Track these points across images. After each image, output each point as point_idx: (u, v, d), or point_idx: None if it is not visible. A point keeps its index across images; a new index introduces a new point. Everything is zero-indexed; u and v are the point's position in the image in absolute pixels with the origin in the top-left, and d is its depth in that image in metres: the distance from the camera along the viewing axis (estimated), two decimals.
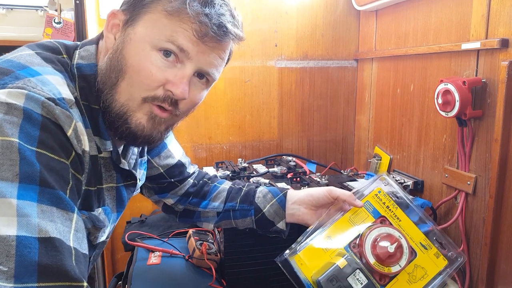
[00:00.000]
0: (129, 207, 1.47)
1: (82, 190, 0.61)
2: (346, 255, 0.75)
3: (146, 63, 0.62)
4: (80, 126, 0.59)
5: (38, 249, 0.45)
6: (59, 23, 1.41)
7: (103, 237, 0.72)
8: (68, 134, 0.55)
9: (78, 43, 0.69)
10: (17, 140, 0.49)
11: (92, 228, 0.68)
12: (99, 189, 0.69)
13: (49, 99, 0.53)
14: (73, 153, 0.56)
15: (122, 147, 0.76)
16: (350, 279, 0.72)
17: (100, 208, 0.69)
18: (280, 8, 1.51)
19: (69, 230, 0.50)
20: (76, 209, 0.53)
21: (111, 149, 0.69)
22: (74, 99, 0.60)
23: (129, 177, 0.77)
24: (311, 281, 0.75)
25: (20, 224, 0.45)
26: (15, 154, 0.48)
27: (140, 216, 1.34)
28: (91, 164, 0.64)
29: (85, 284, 0.48)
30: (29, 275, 0.44)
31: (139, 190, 0.87)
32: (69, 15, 1.42)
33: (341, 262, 0.73)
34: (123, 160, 0.73)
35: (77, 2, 1.33)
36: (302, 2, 1.52)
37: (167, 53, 0.63)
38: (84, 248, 0.53)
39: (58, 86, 0.58)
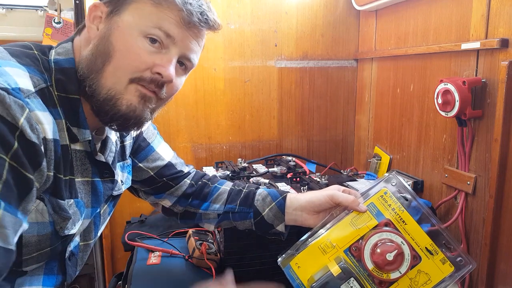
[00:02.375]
0: (129, 207, 1.48)
1: (42, 176, 0.61)
2: (341, 263, 0.73)
3: (134, 47, 0.66)
4: (37, 114, 0.59)
5: None
6: (59, 23, 1.41)
7: (73, 229, 0.71)
8: (19, 123, 0.55)
9: (53, 45, 0.72)
10: None
11: (55, 216, 0.67)
12: (71, 180, 0.69)
13: (1, 89, 0.54)
14: (15, 144, 0.55)
15: (99, 143, 0.77)
16: (343, 287, 0.72)
17: (72, 200, 0.69)
18: (280, 8, 1.51)
19: None
20: (4, 204, 0.53)
21: (89, 138, 0.70)
22: (34, 91, 0.61)
23: (106, 172, 0.77)
24: (307, 286, 0.75)
25: None
26: None
27: (140, 216, 1.34)
28: (61, 153, 0.65)
29: None
30: None
31: (121, 190, 0.86)
32: (69, 15, 1.42)
33: (335, 269, 0.72)
34: (99, 153, 0.74)
35: (77, 2, 1.33)
36: (302, 2, 1.52)
37: (153, 39, 0.66)
38: (9, 243, 0.54)
39: (16, 77, 0.59)
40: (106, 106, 0.66)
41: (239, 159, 1.38)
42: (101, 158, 0.75)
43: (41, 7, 1.45)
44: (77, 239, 0.77)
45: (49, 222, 0.66)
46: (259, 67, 1.52)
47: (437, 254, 0.75)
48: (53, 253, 0.70)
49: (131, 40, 0.66)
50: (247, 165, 1.35)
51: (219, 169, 1.31)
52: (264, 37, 1.51)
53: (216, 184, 0.98)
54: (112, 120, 0.68)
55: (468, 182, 1.02)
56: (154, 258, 1.05)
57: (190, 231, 1.12)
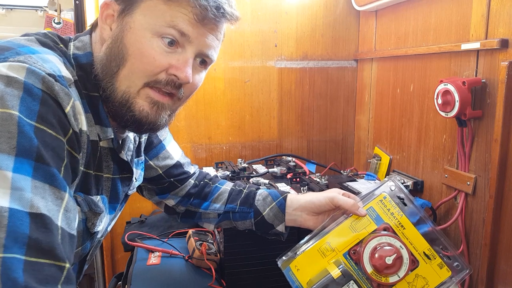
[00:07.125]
0: (129, 207, 1.48)
1: (79, 170, 0.61)
2: (341, 266, 0.73)
3: (148, 50, 0.63)
4: (78, 105, 0.59)
5: (29, 223, 0.45)
6: (58, 23, 1.41)
7: (100, 226, 0.71)
8: (66, 111, 0.55)
9: (71, 36, 0.70)
10: (17, 113, 0.49)
11: (89, 213, 0.67)
12: (98, 176, 0.69)
13: (49, 75, 0.54)
14: (70, 130, 0.56)
15: (120, 141, 0.76)
16: None
17: (99, 196, 0.69)
18: (280, 8, 1.51)
19: (58, 209, 0.50)
20: (68, 188, 0.53)
21: (112, 136, 0.69)
22: (73, 80, 0.61)
23: (125, 170, 0.77)
24: None
25: (13, 197, 0.45)
26: (13, 127, 0.48)
27: (140, 217, 1.34)
28: (91, 148, 0.64)
29: (68, 265, 0.48)
30: (18, 247, 0.43)
31: (135, 189, 0.86)
32: (69, 15, 1.42)
33: (335, 273, 0.72)
34: (122, 151, 0.74)
35: (77, 2, 1.33)
36: (302, 2, 1.52)
37: (168, 39, 0.64)
38: (72, 228, 0.53)
39: (58, 65, 0.59)
40: (122, 110, 0.65)
41: (239, 160, 1.38)
42: (124, 156, 0.74)
43: (41, 7, 1.45)
44: (99, 236, 0.76)
45: (82, 220, 0.66)
46: (259, 67, 1.52)
47: (435, 259, 0.76)
48: (82, 253, 0.70)
49: (144, 42, 0.63)
50: (247, 165, 1.35)
51: (219, 169, 1.31)
52: (264, 37, 1.51)
53: (216, 184, 0.98)
54: (127, 124, 0.67)
55: (468, 183, 1.02)
56: (154, 259, 1.05)
57: (190, 231, 1.12)
